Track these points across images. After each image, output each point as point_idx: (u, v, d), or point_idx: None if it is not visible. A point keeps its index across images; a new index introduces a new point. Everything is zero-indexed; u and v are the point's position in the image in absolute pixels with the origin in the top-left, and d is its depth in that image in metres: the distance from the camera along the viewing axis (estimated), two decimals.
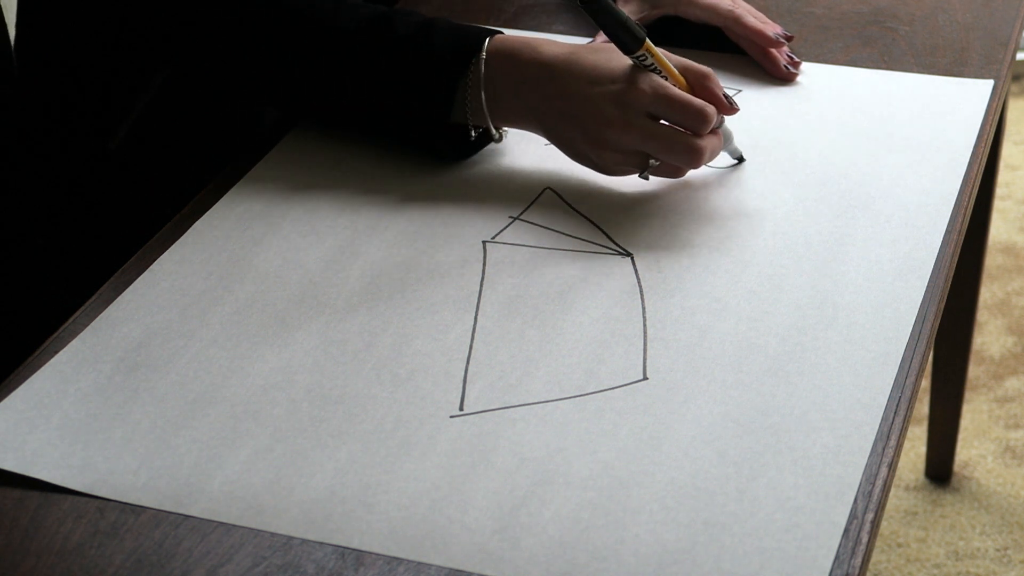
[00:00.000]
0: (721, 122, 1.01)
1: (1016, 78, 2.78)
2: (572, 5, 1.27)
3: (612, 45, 0.99)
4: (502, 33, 1.02)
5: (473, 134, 1.03)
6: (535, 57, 1.00)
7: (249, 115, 1.16)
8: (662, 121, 0.98)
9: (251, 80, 1.06)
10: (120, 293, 0.94)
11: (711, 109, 0.97)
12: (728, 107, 1.00)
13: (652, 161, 0.99)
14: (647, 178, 1.00)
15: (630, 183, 1.03)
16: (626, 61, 0.98)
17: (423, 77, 1.00)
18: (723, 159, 1.05)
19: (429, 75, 1.00)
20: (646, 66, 0.98)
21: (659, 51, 0.98)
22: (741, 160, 1.05)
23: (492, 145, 1.06)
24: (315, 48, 1.02)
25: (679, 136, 0.97)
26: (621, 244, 0.97)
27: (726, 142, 1.03)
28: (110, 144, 1.15)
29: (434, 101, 1.00)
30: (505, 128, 1.05)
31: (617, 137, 0.97)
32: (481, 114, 1.01)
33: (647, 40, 0.97)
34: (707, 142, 0.98)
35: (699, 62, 1.18)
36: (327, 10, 1.02)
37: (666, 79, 0.98)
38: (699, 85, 1.00)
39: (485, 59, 1.00)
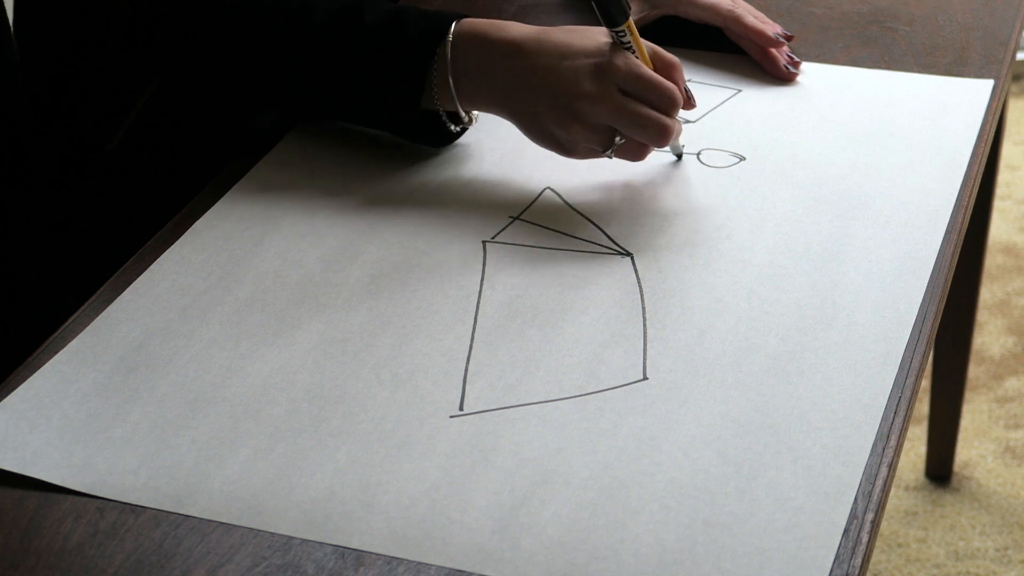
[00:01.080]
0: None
1: (1016, 78, 2.78)
2: (573, 5, 1.27)
3: (584, 28, 1.00)
4: (469, 17, 1.02)
5: (445, 119, 1.03)
6: (502, 36, 1.00)
7: (248, 115, 1.16)
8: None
9: (234, 82, 1.07)
10: (120, 293, 0.94)
11: (679, 93, 0.99)
12: (688, 101, 1.02)
13: (618, 139, 0.99)
14: (611, 156, 1.00)
15: (630, 183, 1.03)
16: (600, 40, 0.98)
17: (392, 65, 1.01)
18: (722, 159, 1.06)
19: (397, 62, 1.00)
20: (623, 43, 0.98)
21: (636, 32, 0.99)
22: (679, 157, 1.06)
23: (492, 144, 1.06)
24: (288, 44, 1.03)
25: (651, 113, 0.98)
26: (621, 244, 0.97)
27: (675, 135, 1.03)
28: (108, 145, 1.15)
29: (404, 88, 1.01)
30: (475, 113, 1.05)
31: (589, 109, 0.97)
32: (450, 98, 1.01)
33: (630, 18, 0.97)
34: (674, 123, 0.99)
35: (699, 62, 1.18)
36: (299, 5, 1.03)
37: (637, 59, 0.99)
38: (665, 74, 1.00)
39: (452, 42, 1.00)
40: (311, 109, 1.09)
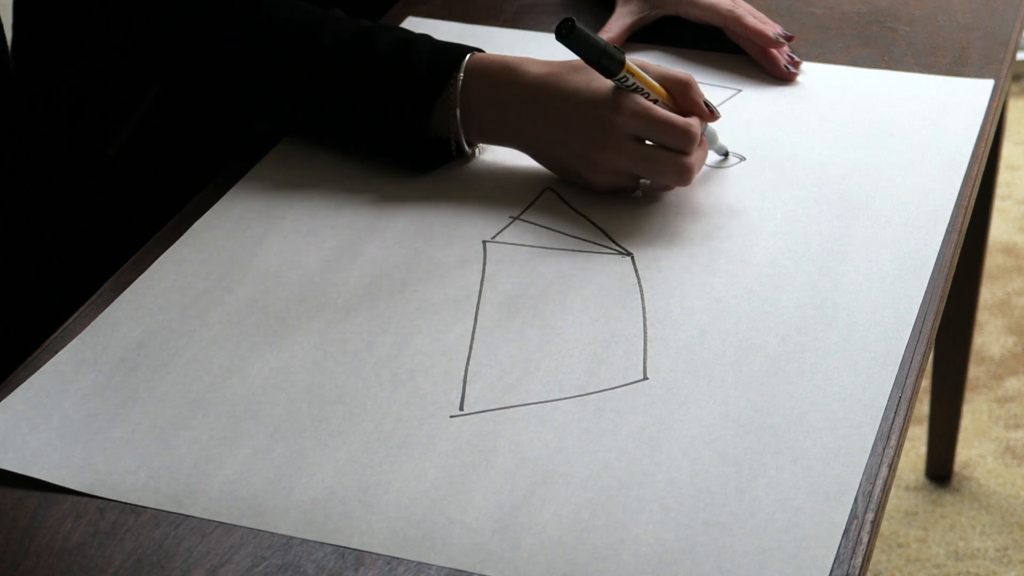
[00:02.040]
0: (704, 128, 1.01)
1: (1016, 78, 2.78)
2: (573, 4, 1.27)
3: (592, 70, 0.98)
4: (482, 52, 1.03)
5: (453, 149, 1.03)
6: (515, 79, 1.00)
7: (248, 119, 1.16)
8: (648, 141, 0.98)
9: (237, 97, 1.07)
10: (120, 293, 0.94)
11: (695, 127, 0.98)
12: (710, 115, 1.00)
13: (643, 181, 1.00)
14: (639, 195, 1.00)
15: None
16: (608, 84, 0.98)
17: (400, 95, 1.01)
18: (713, 157, 1.05)
19: (406, 93, 1.00)
20: (627, 87, 0.98)
21: (637, 67, 0.98)
22: (726, 155, 1.05)
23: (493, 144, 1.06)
24: (297, 67, 1.03)
25: (668, 157, 0.97)
26: (621, 244, 0.97)
27: (710, 142, 1.03)
28: (109, 150, 1.15)
29: (410, 119, 1.01)
30: (481, 145, 1.05)
31: (606, 160, 0.98)
32: (457, 132, 1.02)
33: (627, 61, 0.97)
34: (695, 158, 0.98)
35: (699, 62, 1.18)
36: (310, 28, 1.02)
37: (648, 95, 0.98)
38: (680, 95, 1.00)
39: (463, 78, 1.00)
40: (314, 130, 1.08)
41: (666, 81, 1.00)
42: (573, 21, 0.94)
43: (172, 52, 1.06)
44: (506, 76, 1.01)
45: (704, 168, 1.04)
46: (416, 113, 1.01)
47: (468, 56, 1.01)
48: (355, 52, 1.02)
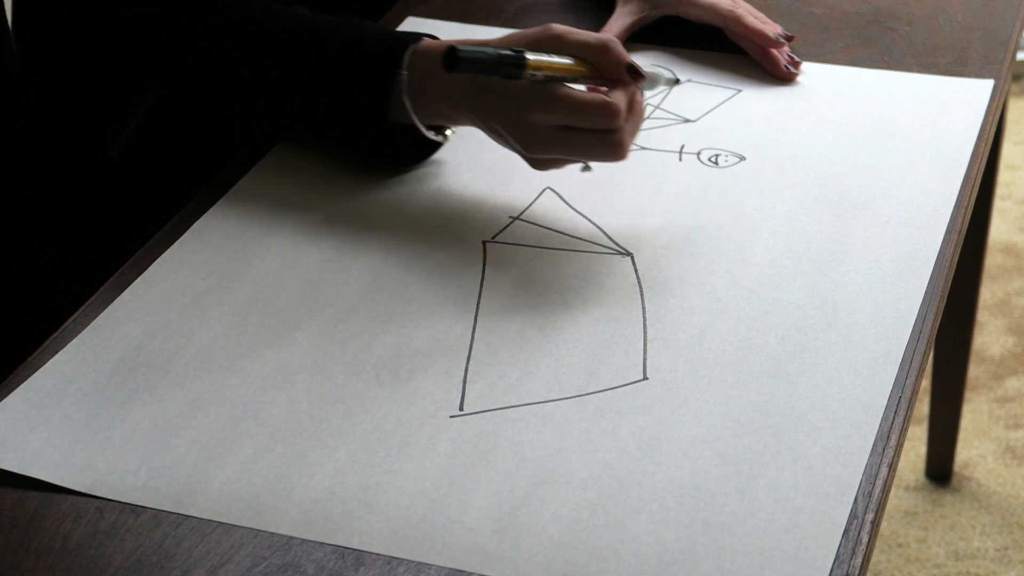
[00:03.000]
0: (643, 83, 0.97)
1: (1016, 78, 2.78)
2: (573, 4, 1.27)
3: None
4: (433, 38, 1.01)
5: (422, 129, 1.02)
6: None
7: (247, 119, 1.16)
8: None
9: (220, 96, 1.07)
10: (120, 293, 0.94)
11: (615, 102, 0.93)
12: (631, 79, 0.96)
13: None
14: (589, 169, 1.00)
15: (630, 183, 1.03)
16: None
17: (353, 87, 1.00)
18: (722, 159, 1.05)
19: (358, 88, 1.00)
20: (539, 80, 0.94)
21: (545, 57, 0.93)
22: (678, 82, 1.04)
23: (492, 145, 1.06)
24: (258, 65, 1.03)
25: (595, 139, 0.94)
26: (621, 244, 0.97)
27: (653, 83, 0.99)
28: (111, 151, 1.15)
29: (366, 108, 1.00)
30: (452, 129, 1.05)
31: (539, 153, 0.96)
32: (410, 116, 1.00)
33: (527, 58, 0.92)
34: (625, 131, 0.95)
35: (699, 62, 1.19)
36: (271, 24, 1.03)
37: (566, 79, 0.95)
38: (600, 62, 0.95)
39: (408, 66, 0.99)
40: (286, 127, 1.08)
41: (585, 49, 0.95)
42: (454, 51, 0.90)
43: (169, 53, 1.06)
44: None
45: (704, 167, 1.04)
46: (371, 102, 1.00)
47: (413, 46, 0.99)
48: (307, 49, 1.02)
